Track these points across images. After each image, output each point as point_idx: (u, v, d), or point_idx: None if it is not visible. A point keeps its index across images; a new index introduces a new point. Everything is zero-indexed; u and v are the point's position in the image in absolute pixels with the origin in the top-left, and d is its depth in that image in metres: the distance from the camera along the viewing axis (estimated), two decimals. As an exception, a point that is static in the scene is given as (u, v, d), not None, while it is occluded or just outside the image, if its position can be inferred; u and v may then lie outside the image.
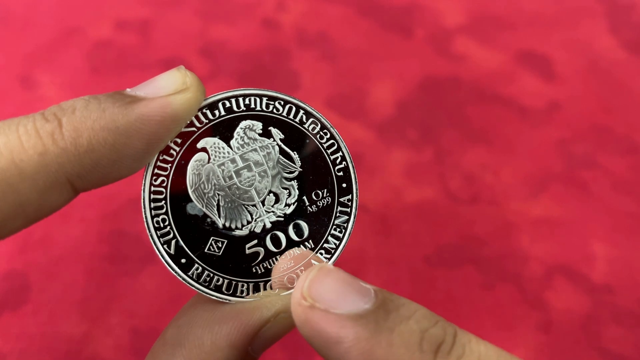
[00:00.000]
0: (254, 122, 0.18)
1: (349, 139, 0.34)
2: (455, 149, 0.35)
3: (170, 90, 0.17)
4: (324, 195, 0.18)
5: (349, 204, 0.18)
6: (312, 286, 0.15)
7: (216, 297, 0.18)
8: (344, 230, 0.18)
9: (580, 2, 0.42)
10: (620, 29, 0.40)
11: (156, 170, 0.17)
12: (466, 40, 0.39)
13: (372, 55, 0.38)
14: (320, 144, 0.18)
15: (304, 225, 0.18)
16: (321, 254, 0.18)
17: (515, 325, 0.29)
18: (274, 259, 0.18)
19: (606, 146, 0.35)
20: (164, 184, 0.17)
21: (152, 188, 0.17)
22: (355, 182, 0.18)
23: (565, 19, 0.41)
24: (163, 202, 0.17)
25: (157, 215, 0.17)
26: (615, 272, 0.31)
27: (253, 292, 0.18)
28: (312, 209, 0.18)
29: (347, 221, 0.18)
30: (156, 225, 0.17)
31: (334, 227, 0.18)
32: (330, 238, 0.18)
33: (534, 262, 0.31)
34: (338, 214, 0.18)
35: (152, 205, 0.17)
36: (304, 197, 0.18)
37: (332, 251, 0.18)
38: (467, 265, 0.31)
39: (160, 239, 0.17)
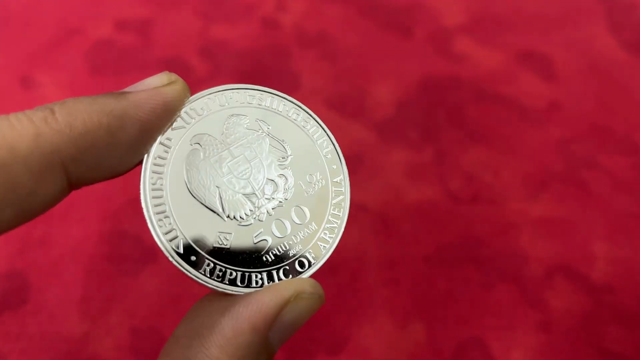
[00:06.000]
0: (241, 116, 0.19)
1: (349, 139, 0.34)
2: (455, 149, 0.35)
3: (159, 84, 0.18)
4: (318, 179, 0.19)
5: (342, 183, 0.19)
6: None
7: (231, 290, 0.17)
8: (342, 210, 0.19)
9: (580, 2, 0.42)
10: (620, 29, 0.40)
11: (152, 173, 0.18)
12: (466, 40, 0.39)
13: (372, 55, 0.38)
14: (304, 130, 0.19)
15: (305, 209, 0.19)
16: (325, 234, 0.19)
17: (515, 325, 0.29)
18: (281, 244, 0.18)
19: (606, 146, 0.35)
20: (162, 185, 0.18)
21: (152, 190, 0.17)
22: (343, 162, 0.20)
23: (565, 19, 0.41)
24: (163, 202, 0.17)
25: (160, 218, 0.17)
26: (615, 272, 0.31)
27: (268, 282, 0.18)
28: (309, 191, 0.19)
29: (343, 200, 0.19)
30: (160, 225, 0.17)
31: (332, 206, 0.19)
32: (331, 218, 0.19)
33: (534, 262, 0.31)
34: (334, 194, 0.19)
35: (155, 210, 0.17)
36: (300, 182, 0.19)
37: (335, 230, 0.19)
38: (467, 265, 0.31)
39: (166, 236, 0.17)
